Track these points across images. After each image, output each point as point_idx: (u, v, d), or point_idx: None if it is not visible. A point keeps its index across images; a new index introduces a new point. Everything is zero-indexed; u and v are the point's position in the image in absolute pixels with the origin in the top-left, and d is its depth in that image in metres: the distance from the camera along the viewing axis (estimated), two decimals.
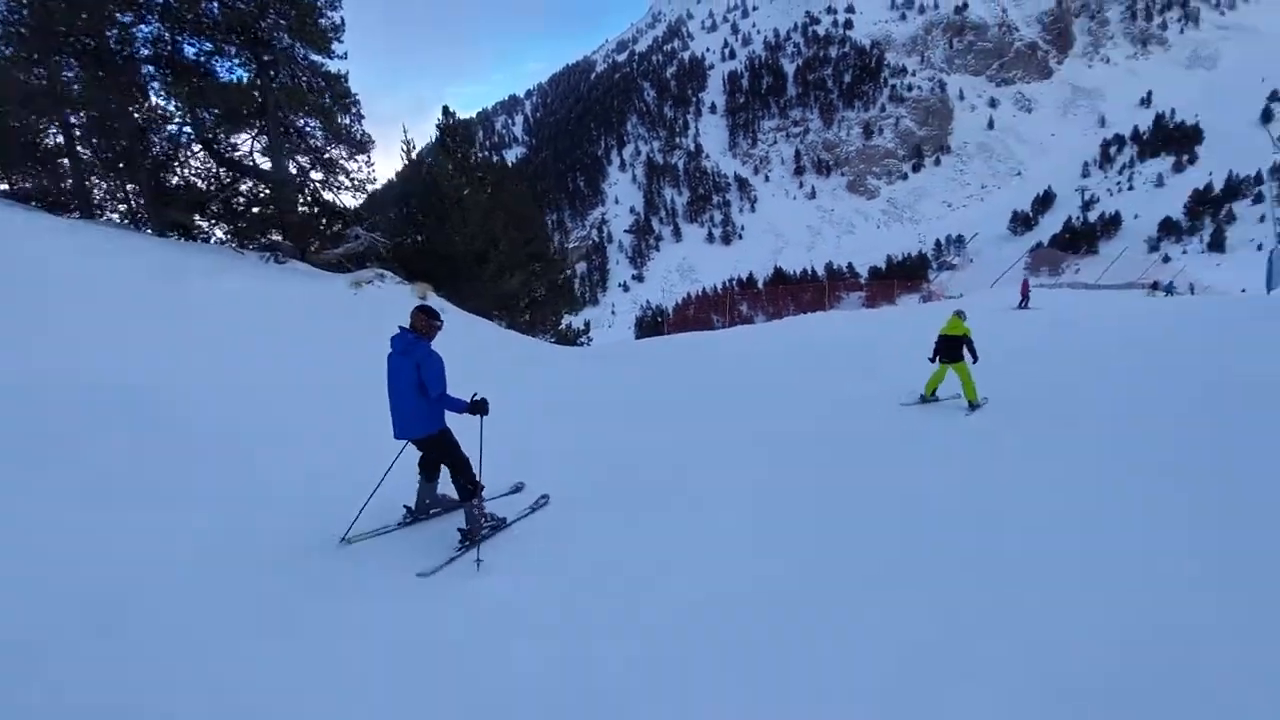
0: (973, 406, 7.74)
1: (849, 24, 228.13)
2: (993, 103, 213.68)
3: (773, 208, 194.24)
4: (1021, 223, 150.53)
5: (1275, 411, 6.00)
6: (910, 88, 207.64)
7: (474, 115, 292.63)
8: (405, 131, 17.34)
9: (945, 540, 4.17)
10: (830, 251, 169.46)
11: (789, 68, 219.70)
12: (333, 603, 3.54)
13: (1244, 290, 36.48)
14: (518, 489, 5.37)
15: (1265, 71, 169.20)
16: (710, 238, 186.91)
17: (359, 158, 14.66)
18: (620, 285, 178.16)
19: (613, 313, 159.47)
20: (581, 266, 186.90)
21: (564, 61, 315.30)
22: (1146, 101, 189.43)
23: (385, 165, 18.28)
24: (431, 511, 4.74)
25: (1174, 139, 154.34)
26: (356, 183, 14.58)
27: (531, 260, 17.79)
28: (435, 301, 12.17)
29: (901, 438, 6.82)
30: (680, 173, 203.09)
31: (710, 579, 3.82)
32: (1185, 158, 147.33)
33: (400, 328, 4.26)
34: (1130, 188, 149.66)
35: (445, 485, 4.74)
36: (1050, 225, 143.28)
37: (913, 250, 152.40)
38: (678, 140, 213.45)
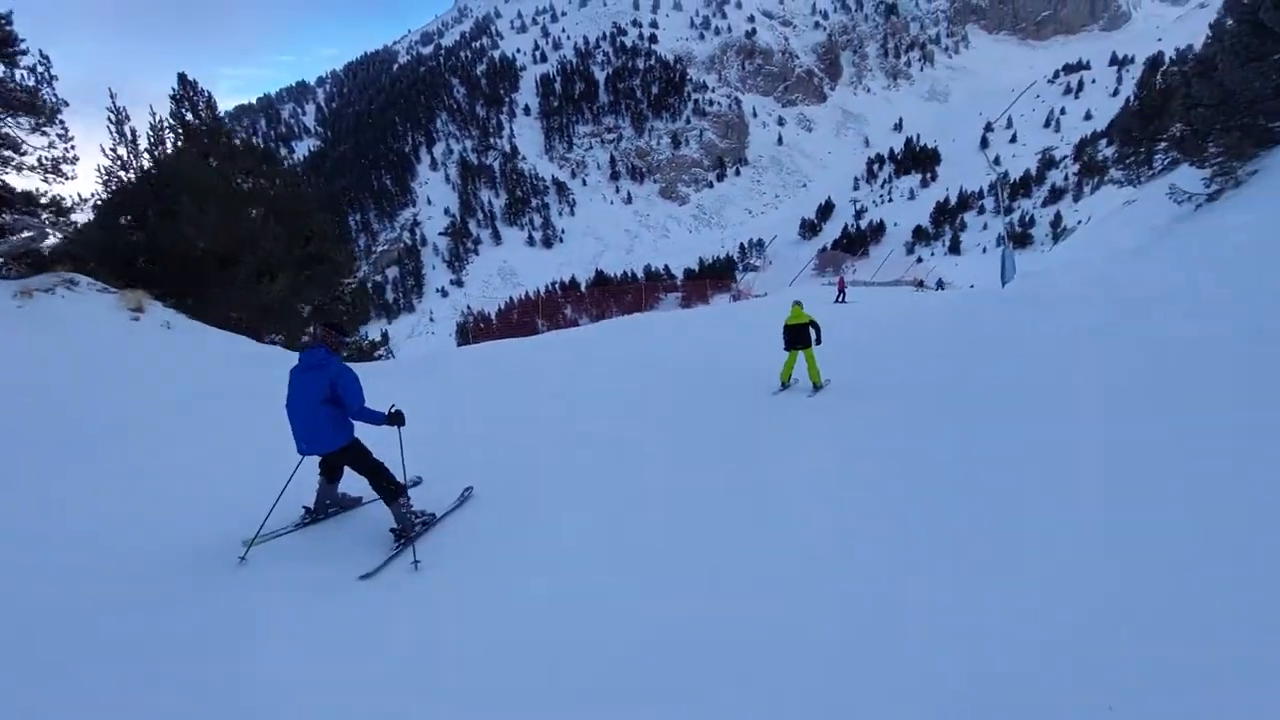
0: (816, 388, 8.77)
1: (654, 38, 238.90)
2: (780, 121, 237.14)
3: (591, 211, 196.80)
4: (809, 229, 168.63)
5: (1025, 360, 8.11)
6: (711, 103, 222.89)
7: (254, 101, 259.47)
8: (113, 97, 12.99)
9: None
10: (648, 254, 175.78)
11: (600, 75, 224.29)
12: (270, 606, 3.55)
13: (972, 285, 43.41)
14: (415, 483, 5.31)
15: (982, 106, 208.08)
16: (531, 241, 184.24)
17: (49, 130, 11.08)
18: (438, 290, 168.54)
19: (431, 319, 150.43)
20: (393, 271, 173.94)
21: (362, 49, 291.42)
22: (899, 127, 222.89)
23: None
24: (330, 511, 4.76)
25: (920, 159, 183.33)
26: (45, 163, 10.97)
27: (310, 263, 14.86)
28: (158, 315, 9.29)
29: (771, 422, 7.68)
30: (497, 174, 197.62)
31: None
32: (929, 175, 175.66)
33: (307, 343, 3.91)
34: (890, 199, 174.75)
35: (343, 485, 4.81)
36: (832, 231, 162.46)
37: (721, 253, 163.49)
38: (492, 140, 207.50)
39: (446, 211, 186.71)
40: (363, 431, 4.44)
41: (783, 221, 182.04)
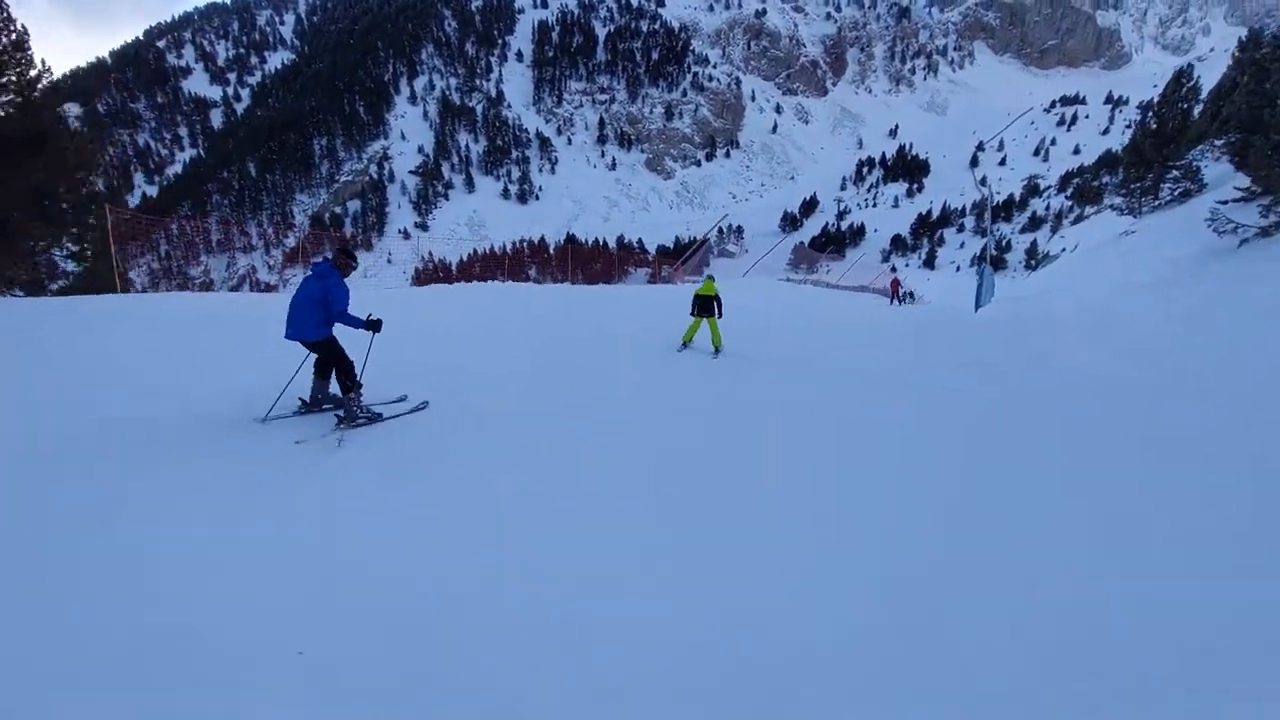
0: (717, 351, 9.87)
1: (661, 2, 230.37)
2: (778, 108, 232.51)
3: (573, 172, 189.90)
4: (790, 222, 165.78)
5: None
6: (711, 78, 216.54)
7: (226, 1, 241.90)
8: None
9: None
10: (625, 224, 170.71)
11: (600, 31, 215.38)
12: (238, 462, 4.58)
13: (929, 300, 41.50)
14: (401, 399, 6.09)
15: (977, 124, 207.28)
16: (506, 194, 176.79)
17: None
18: (400, 231, 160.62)
19: (389, 260, 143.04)
20: (355, 204, 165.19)
21: None
22: (894, 133, 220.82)
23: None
24: (323, 406, 5.67)
25: (910, 168, 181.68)
26: None
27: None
28: None
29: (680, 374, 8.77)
30: (479, 118, 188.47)
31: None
32: (916, 185, 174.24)
33: (323, 258, 5.38)
34: (874, 205, 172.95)
35: (335, 387, 5.78)
36: (812, 228, 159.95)
37: (699, 234, 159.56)
38: (478, 82, 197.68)
39: (420, 150, 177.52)
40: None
41: (765, 210, 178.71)
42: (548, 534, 3.89)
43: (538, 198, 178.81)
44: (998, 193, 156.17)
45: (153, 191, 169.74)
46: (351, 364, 5.39)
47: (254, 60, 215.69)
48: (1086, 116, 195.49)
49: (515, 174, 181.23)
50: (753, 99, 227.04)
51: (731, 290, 14.07)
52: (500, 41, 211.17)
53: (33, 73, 11.89)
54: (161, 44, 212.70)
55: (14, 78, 11.51)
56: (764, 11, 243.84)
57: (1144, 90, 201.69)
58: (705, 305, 9.91)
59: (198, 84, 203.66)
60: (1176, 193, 22.73)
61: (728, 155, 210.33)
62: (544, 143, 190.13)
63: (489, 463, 4.88)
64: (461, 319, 10.50)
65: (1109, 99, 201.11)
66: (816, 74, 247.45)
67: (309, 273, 5.29)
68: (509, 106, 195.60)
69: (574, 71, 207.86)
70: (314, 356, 5.55)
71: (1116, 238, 22.52)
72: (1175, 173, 23.13)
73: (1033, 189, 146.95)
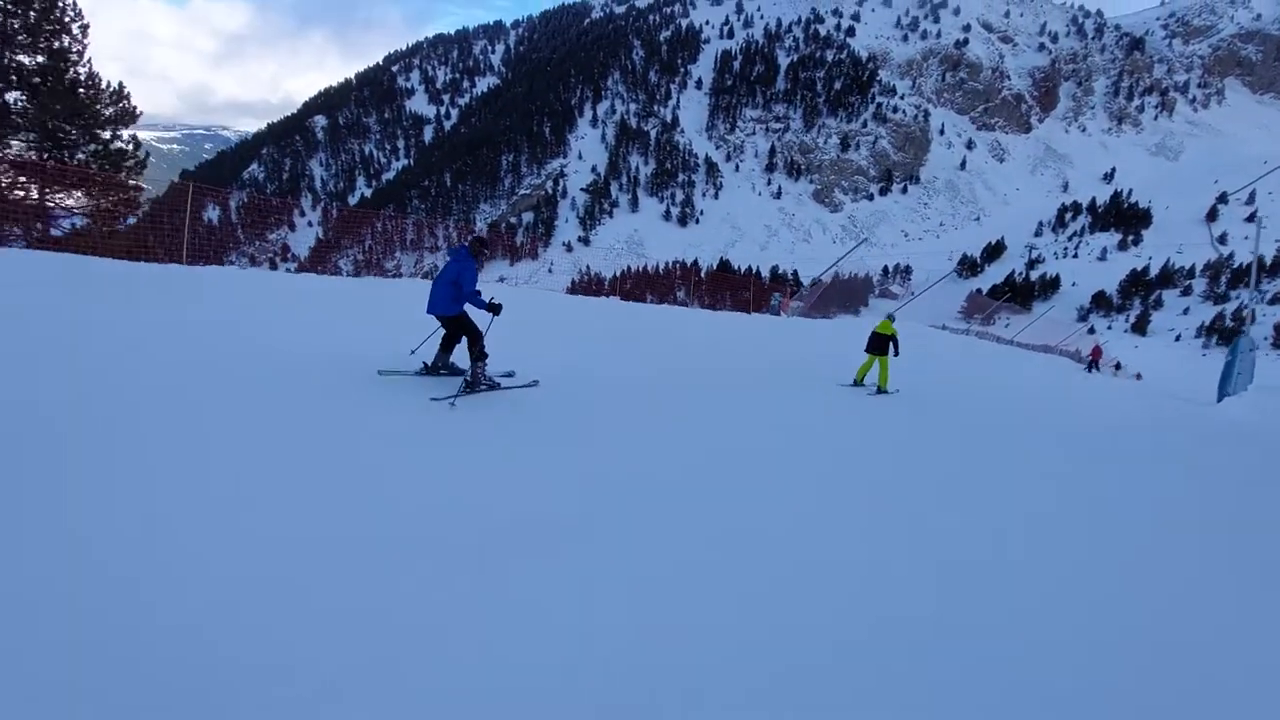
0: (881, 391, 9.82)
1: (851, 31, 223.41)
2: (970, 144, 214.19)
3: (736, 199, 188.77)
4: (969, 268, 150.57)
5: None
6: (895, 109, 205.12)
7: (450, 33, 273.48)
8: None
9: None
10: (783, 255, 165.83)
11: (783, 60, 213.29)
12: (369, 410, 5.14)
13: (1139, 376, 33.33)
14: (509, 374, 6.73)
15: (1221, 174, 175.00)
16: (667, 215, 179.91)
17: None
18: (564, 244, 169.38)
19: (550, 270, 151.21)
20: (528, 216, 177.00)
21: None
22: (1110, 177, 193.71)
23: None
24: (440, 372, 6.36)
25: (1126, 217, 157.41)
26: None
27: None
28: None
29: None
30: (651, 142, 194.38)
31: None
32: (1131, 238, 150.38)
33: (461, 245, 6.08)
34: (1075, 255, 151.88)
35: (456, 358, 6.55)
36: (994, 275, 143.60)
37: (860, 271, 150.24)
38: (656, 108, 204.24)
39: (593, 169, 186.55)
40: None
41: (942, 253, 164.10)
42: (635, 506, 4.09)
43: (698, 221, 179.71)
44: (1250, 252, 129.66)
45: (369, 193, 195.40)
46: (480, 335, 6.07)
47: (466, 84, 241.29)
48: None
49: (679, 196, 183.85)
50: (941, 133, 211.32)
51: (861, 330, 12.41)
52: (683, 70, 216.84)
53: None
54: (395, 68, 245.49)
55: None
56: (965, 41, 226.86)
57: None
58: (879, 344, 9.87)
59: (418, 103, 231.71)
60: None
61: (905, 190, 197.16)
62: (711, 168, 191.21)
63: (595, 440, 5.34)
64: (579, 325, 10.90)
65: None
66: (1020, 109, 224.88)
67: (449, 257, 6.04)
68: (682, 132, 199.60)
69: (751, 100, 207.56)
70: (441, 331, 6.33)
71: None
72: None
73: None
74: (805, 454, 6.00)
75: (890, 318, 10.34)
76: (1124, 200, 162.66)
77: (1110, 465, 6.97)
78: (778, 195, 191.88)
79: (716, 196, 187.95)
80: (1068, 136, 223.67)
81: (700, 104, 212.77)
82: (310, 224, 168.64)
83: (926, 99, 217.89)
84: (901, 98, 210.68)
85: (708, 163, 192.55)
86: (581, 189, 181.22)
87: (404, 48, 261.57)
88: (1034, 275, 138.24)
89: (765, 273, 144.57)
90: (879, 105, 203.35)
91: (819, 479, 5.27)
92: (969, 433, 8.07)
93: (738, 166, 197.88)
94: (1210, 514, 5.62)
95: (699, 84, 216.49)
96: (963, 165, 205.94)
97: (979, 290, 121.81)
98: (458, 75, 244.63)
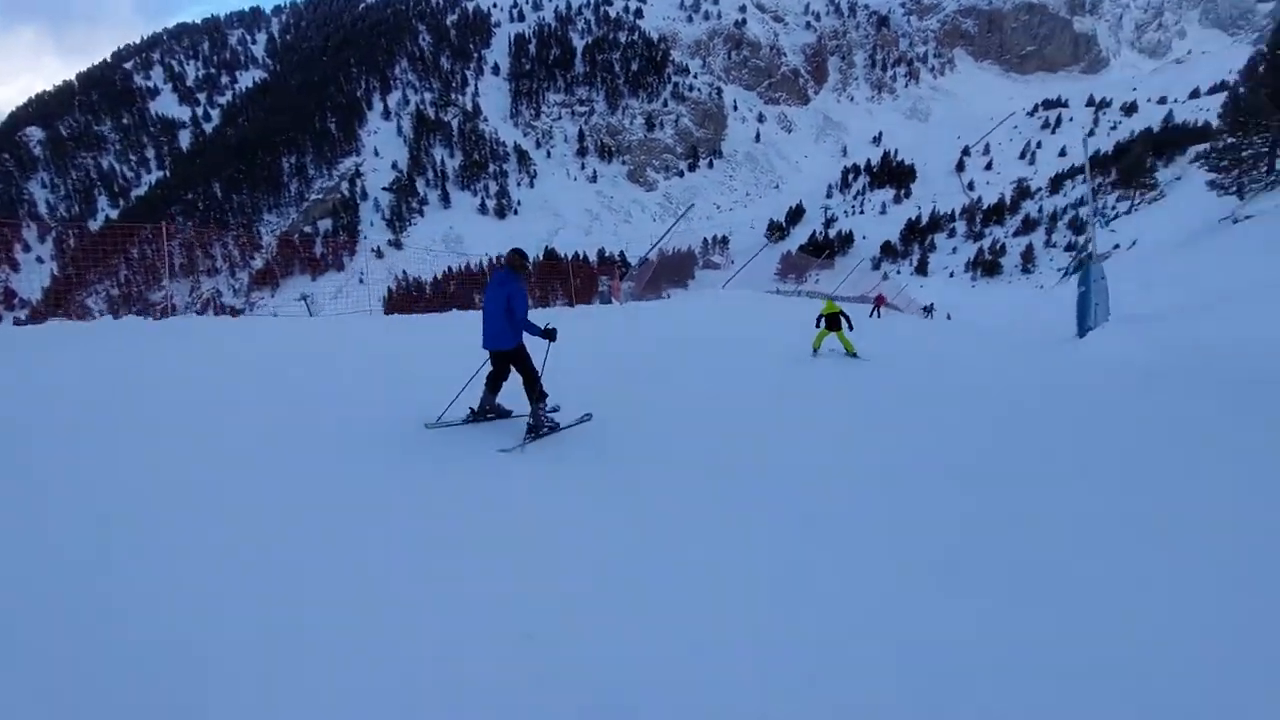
0: (853, 356, 11.12)
1: (639, 13, 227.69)
2: (761, 117, 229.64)
3: (552, 185, 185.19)
4: (776, 231, 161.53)
5: None
6: (691, 88, 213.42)
7: (197, 22, 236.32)
8: None
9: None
10: (607, 237, 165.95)
11: (578, 43, 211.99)
12: (435, 467, 4.74)
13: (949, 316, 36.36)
14: (555, 409, 6.05)
15: (961, 130, 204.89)
16: (483, 208, 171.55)
17: None
18: (374, 250, 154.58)
19: (361, 281, 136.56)
20: (325, 223, 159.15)
21: None
22: (878, 140, 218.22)
23: None
24: (488, 416, 5.77)
25: (896, 174, 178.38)
26: None
27: None
28: None
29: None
30: (454, 133, 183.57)
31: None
32: (903, 191, 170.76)
33: (501, 266, 5.46)
34: (861, 212, 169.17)
35: (501, 399, 5.90)
36: (799, 236, 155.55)
37: (682, 246, 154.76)
38: (454, 96, 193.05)
39: (394, 166, 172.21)
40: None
41: (751, 220, 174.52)
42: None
43: (516, 212, 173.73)
44: (978, 196, 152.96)
45: (115, 214, 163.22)
46: (537, 375, 5.41)
47: (225, 80, 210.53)
48: (1070, 119, 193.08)
49: (493, 188, 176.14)
50: (734, 108, 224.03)
51: (704, 310, 10.70)
52: (476, 55, 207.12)
53: None
54: (129, 65, 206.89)
55: None
56: (743, 21, 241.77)
57: (1124, 93, 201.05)
58: (833, 321, 11.18)
59: (165, 104, 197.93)
60: None
61: (710, 165, 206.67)
62: (522, 156, 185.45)
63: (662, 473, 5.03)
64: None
65: (1090, 101, 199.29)
66: (798, 83, 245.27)
67: (490, 281, 5.36)
68: (486, 120, 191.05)
69: (552, 84, 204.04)
70: (487, 369, 5.67)
71: (1216, 225, 17.58)
72: None
73: (1023, 192, 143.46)
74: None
75: (830, 299, 12.06)
76: (892, 160, 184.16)
77: (1046, 433, 5.95)
78: (593, 179, 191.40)
79: (532, 185, 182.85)
80: (839, 106, 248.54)
81: (501, 90, 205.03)
82: (40, 259, 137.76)
83: (717, 77, 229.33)
84: (695, 77, 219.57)
85: (518, 151, 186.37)
86: (384, 188, 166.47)
87: (138, 41, 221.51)
88: (832, 233, 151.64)
89: (593, 257, 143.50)
90: (676, 85, 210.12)
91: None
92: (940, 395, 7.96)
93: (549, 153, 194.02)
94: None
95: (496, 70, 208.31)
96: (757, 138, 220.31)
97: (789, 251, 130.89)
98: (213, 70, 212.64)
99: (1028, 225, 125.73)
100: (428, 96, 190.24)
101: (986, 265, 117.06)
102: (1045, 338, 12.11)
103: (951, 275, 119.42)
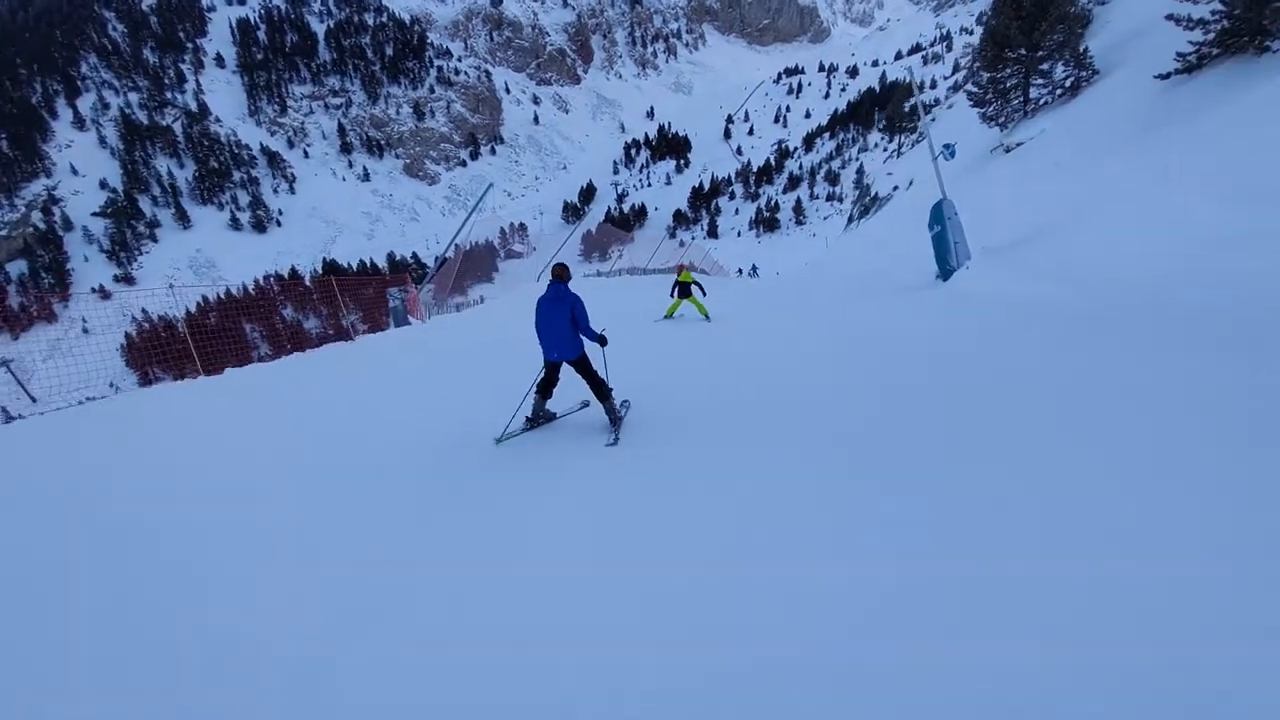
0: (707, 318, 12.01)
1: None
2: (536, 99, 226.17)
3: (318, 189, 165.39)
4: (572, 212, 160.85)
5: None
6: (458, 72, 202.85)
7: None
8: None
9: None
10: (394, 240, 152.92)
11: (319, 27, 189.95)
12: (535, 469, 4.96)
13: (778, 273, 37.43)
14: (585, 405, 6.58)
15: (722, 100, 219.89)
16: (236, 224, 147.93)
17: None
18: (95, 290, 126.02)
19: (85, 330, 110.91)
20: (17, 266, 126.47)
21: None
22: (651, 114, 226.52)
23: None
24: (543, 420, 6.13)
25: (674, 146, 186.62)
26: None
27: None
28: None
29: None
30: (179, 138, 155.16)
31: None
32: (683, 161, 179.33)
33: (550, 281, 5.76)
34: (649, 184, 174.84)
35: (551, 404, 6.34)
36: (596, 215, 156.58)
37: (480, 238, 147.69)
38: (170, 96, 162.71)
39: (104, 185, 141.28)
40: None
41: (545, 204, 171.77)
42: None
43: (280, 223, 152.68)
44: (747, 160, 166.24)
45: None
46: (598, 374, 5.80)
47: None
48: (809, 84, 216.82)
49: (244, 199, 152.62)
50: (507, 92, 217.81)
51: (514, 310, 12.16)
52: (191, 46, 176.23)
53: None
54: None
55: None
56: (500, 1, 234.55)
57: (846, 58, 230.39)
58: (685, 289, 12.29)
59: None
60: (1068, 83, 18.92)
61: (493, 152, 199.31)
62: (274, 159, 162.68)
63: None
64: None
65: (822, 67, 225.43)
66: (566, 62, 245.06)
67: (543, 295, 5.68)
68: (218, 121, 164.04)
69: (295, 75, 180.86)
70: (540, 378, 5.96)
71: (988, 156, 18.67)
72: (1048, 64, 19.54)
73: (784, 153, 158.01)
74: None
75: (683, 267, 13.49)
76: (668, 132, 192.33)
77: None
78: (366, 177, 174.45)
79: (293, 190, 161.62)
80: (609, 83, 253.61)
81: (233, 85, 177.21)
82: None
83: (483, 60, 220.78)
84: (460, 60, 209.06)
85: (267, 153, 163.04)
86: (95, 213, 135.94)
87: None
88: (626, 208, 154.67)
89: (382, 264, 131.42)
90: (440, 69, 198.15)
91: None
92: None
93: (306, 152, 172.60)
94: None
95: (221, 61, 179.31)
96: (536, 120, 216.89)
97: (590, 230, 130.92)
98: None
99: (793, 182, 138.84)
100: (134, 98, 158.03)
101: (766, 222, 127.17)
102: (893, 283, 11.43)
103: (739, 235, 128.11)
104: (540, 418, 6.08)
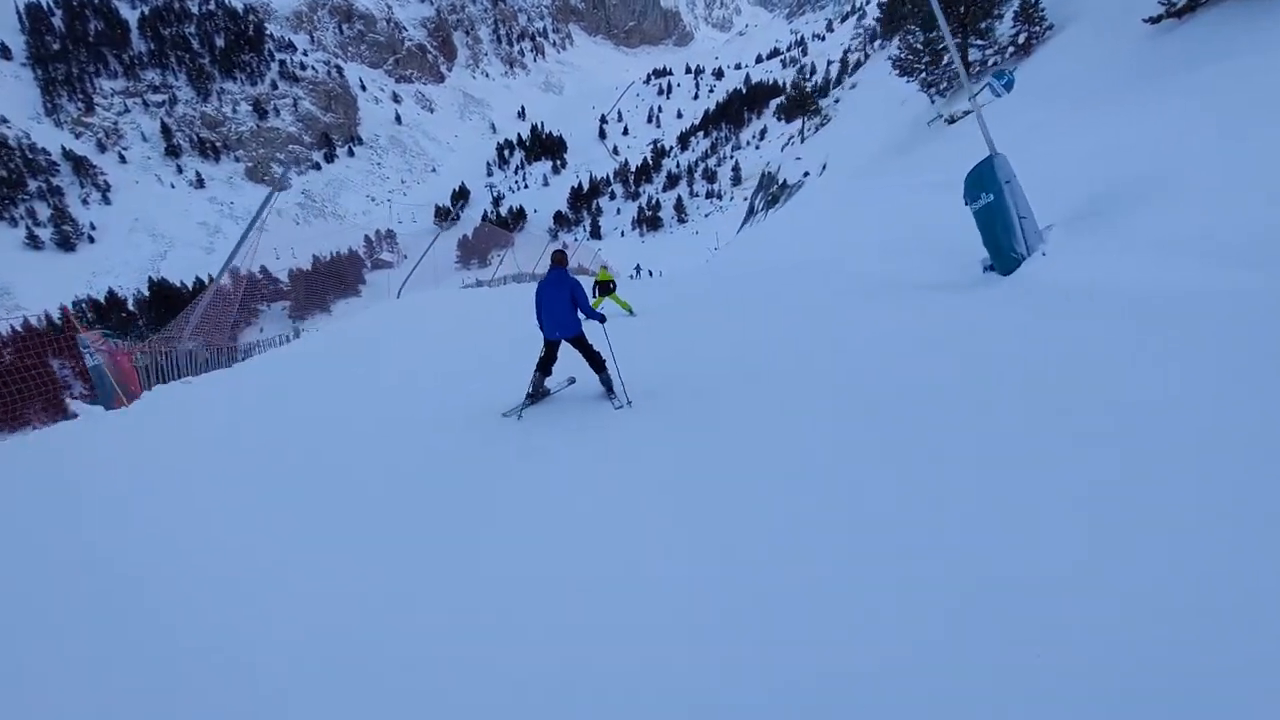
0: (631, 314, 11.96)
1: None
2: (396, 98, 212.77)
3: (141, 198, 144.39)
4: (444, 217, 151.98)
5: None
6: (304, 67, 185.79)
7: None
8: None
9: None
10: (239, 253, 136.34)
11: (130, 15, 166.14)
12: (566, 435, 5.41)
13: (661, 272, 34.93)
14: (571, 381, 6.75)
15: (594, 101, 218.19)
16: (34, 242, 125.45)
17: None
18: None
19: None
20: None
21: None
22: (523, 114, 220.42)
23: None
24: (541, 396, 6.41)
25: (548, 146, 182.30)
26: None
27: None
28: None
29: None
30: None
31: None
32: (559, 162, 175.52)
33: (551, 267, 6.19)
34: (526, 186, 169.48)
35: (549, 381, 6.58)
36: (471, 219, 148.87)
37: (342, 248, 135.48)
38: None
39: None
40: None
41: (414, 209, 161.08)
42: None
43: (92, 239, 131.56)
44: (624, 159, 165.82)
45: None
46: (593, 347, 6.16)
47: None
48: (679, 85, 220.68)
49: (43, 213, 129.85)
50: (363, 89, 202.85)
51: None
52: None
53: None
54: None
55: None
56: None
57: (710, 61, 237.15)
58: (605, 288, 12.69)
59: None
60: (1020, 39, 17.69)
61: (351, 154, 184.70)
62: (80, 164, 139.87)
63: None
64: None
65: (689, 69, 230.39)
66: (428, 59, 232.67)
67: (544, 280, 6.08)
68: (4, 121, 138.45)
69: (103, 68, 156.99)
70: (540, 356, 6.23)
71: (926, 128, 17.17)
72: (985, 21, 18.33)
73: (660, 151, 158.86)
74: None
75: (605, 267, 15.30)
76: (541, 132, 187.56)
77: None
78: (200, 184, 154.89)
79: (107, 200, 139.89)
80: (476, 82, 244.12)
81: (22, 80, 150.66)
82: None
83: (333, 54, 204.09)
84: (305, 54, 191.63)
85: (71, 158, 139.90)
86: None
87: None
88: (503, 210, 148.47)
89: (227, 279, 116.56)
90: (283, 63, 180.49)
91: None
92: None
93: (122, 157, 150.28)
94: None
95: (6, 53, 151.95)
96: (398, 120, 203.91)
97: (465, 236, 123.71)
98: None
99: (672, 180, 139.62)
100: None
101: (649, 221, 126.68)
102: (901, 282, 8.11)
103: (623, 235, 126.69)
104: (539, 393, 6.39)
